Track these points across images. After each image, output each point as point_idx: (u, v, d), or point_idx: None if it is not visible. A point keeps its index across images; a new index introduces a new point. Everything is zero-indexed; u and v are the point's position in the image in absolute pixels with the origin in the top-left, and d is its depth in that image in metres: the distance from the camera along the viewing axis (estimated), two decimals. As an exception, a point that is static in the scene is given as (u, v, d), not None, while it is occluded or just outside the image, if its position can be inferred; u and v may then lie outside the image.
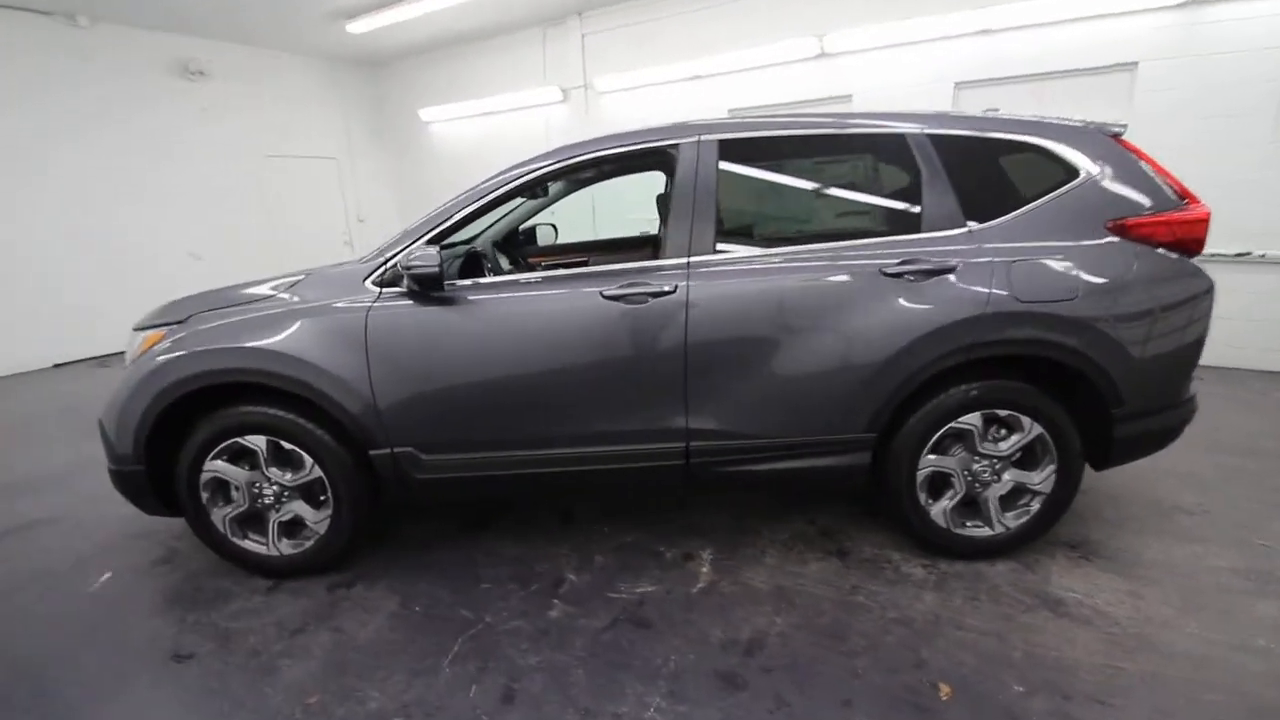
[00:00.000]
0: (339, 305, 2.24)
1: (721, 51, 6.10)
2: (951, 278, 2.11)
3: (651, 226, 4.64)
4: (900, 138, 2.24)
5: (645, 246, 3.76)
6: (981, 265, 2.12)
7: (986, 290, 2.10)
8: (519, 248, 3.71)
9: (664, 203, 3.24)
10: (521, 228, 3.76)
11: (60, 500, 3.30)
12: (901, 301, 2.12)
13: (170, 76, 7.08)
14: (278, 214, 8.07)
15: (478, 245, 3.23)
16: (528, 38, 7.36)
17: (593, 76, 7.03)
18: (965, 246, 2.15)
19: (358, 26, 6.69)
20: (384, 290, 2.26)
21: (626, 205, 6.63)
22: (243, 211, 7.77)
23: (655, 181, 3.74)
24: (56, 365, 6.55)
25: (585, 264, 3.91)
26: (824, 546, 2.53)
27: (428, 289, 2.16)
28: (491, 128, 8.10)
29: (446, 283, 2.21)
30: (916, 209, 2.21)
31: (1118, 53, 4.73)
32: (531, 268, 3.67)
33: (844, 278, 2.15)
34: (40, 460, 3.91)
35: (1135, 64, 4.70)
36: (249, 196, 7.83)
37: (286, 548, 2.43)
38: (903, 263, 2.12)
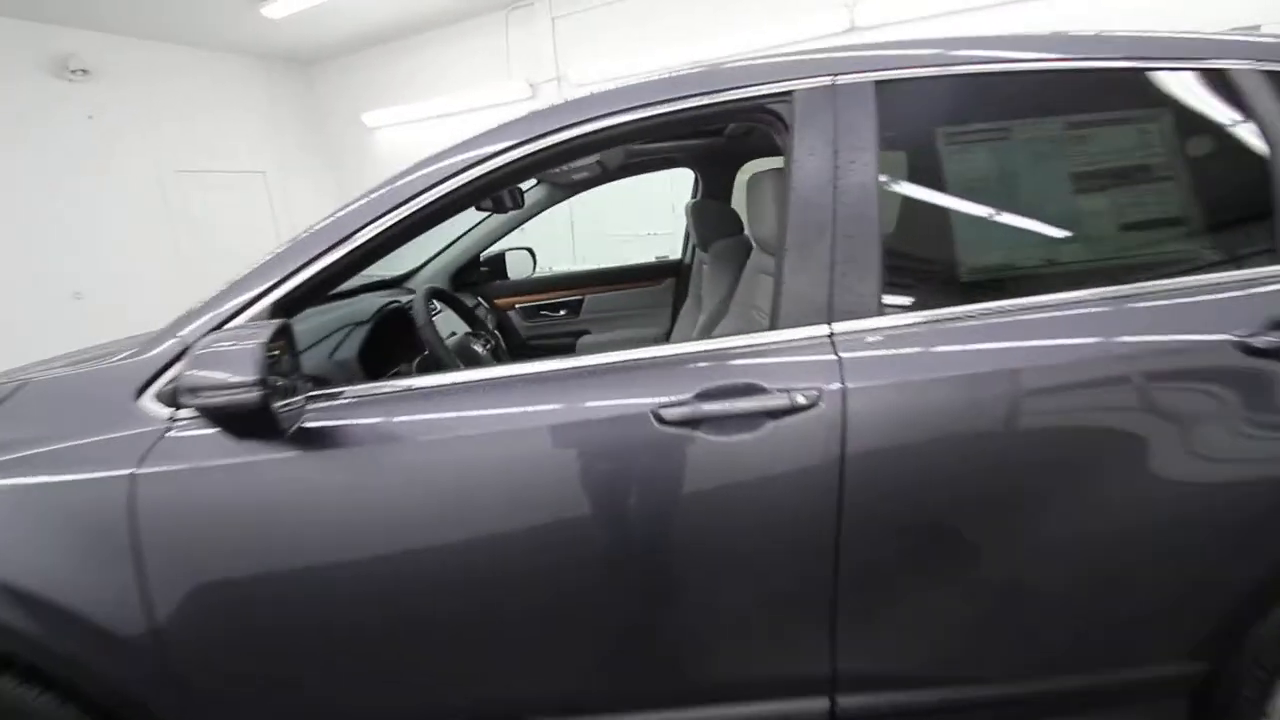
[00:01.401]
0: (75, 456, 1.03)
1: (723, 34, 5.02)
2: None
3: (659, 244, 3.51)
4: (1222, 78, 1.13)
5: (664, 278, 2.61)
6: None
7: None
8: (478, 286, 2.52)
9: (700, 214, 2.11)
10: (483, 255, 2.58)
11: None
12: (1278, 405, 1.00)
13: (43, 76, 5.72)
14: (190, 241, 6.71)
15: (402, 298, 2.03)
16: (487, 24, 6.19)
17: (566, 67, 5.90)
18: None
19: (274, 11, 5.46)
20: (178, 415, 1.06)
21: (611, 220, 5.53)
22: (144, 239, 6.39)
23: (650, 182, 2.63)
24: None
25: (581, 303, 2.80)
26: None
27: (249, 430, 0.97)
28: (448, 133, 6.87)
29: (306, 403, 1.02)
30: (1270, 217, 1.10)
31: (1234, 15, 3.78)
32: (501, 316, 2.47)
33: (1158, 360, 1.02)
34: None
35: (1257, 29, 3.75)
36: (152, 221, 6.45)
37: None
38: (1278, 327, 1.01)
